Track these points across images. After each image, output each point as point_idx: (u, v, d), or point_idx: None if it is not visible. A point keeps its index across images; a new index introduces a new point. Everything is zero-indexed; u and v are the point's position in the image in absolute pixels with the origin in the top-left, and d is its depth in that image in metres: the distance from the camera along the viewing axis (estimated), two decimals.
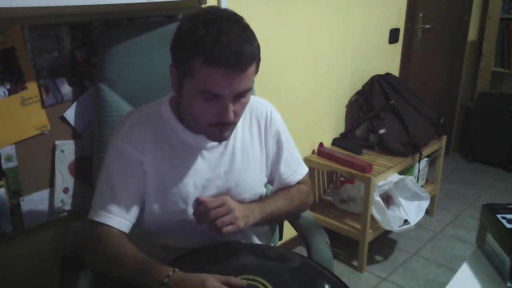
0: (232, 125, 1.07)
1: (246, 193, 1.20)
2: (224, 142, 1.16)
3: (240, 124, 1.18)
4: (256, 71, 1.05)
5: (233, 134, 1.16)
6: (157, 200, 1.13)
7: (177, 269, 0.95)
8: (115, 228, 1.07)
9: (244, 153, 1.19)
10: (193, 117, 1.07)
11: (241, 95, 1.02)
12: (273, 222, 1.39)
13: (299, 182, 1.30)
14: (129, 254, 1.02)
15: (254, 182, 1.23)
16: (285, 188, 1.28)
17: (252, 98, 1.23)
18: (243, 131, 1.20)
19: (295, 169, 1.30)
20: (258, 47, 1.02)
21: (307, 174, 1.34)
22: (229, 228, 1.08)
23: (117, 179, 1.10)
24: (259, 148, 1.23)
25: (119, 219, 1.08)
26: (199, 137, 1.12)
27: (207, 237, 1.16)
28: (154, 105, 1.16)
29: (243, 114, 1.19)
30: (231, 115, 1.01)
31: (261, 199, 1.26)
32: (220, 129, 1.05)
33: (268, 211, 1.19)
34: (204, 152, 1.15)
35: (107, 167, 1.12)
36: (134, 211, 1.11)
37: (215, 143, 1.15)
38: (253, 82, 1.06)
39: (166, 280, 0.93)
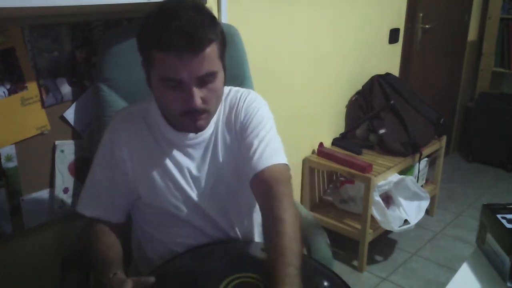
0: (205, 113, 1.03)
1: (236, 189, 1.16)
2: (206, 140, 1.14)
3: (220, 119, 1.15)
4: (220, 54, 1.02)
5: (214, 130, 1.14)
6: (149, 198, 1.14)
7: (118, 272, 1.00)
8: (95, 217, 1.14)
9: (225, 148, 1.15)
10: (166, 109, 1.07)
11: (205, 80, 0.99)
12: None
13: (271, 183, 1.04)
14: (97, 247, 1.08)
15: (240, 175, 1.14)
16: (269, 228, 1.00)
17: (232, 89, 1.20)
18: (223, 126, 1.16)
19: (267, 155, 1.07)
20: (220, 29, 1.01)
21: (286, 167, 1.09)
22: None
23: (98, 174, 1.14)
24: (235, 137, 1.15)
25: (99, 210, 1.13)
26: (182, 134, 1.11)
27: (202, 233, 1.16)
28: (144, 102, 1.16)
29: (223, 108, 1.16)
30: (198, 101, 0.99)
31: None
32: (192, 118, 1.03)
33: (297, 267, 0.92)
34: (189, 150, 1.13)
35: (93, 163, 1.16)
36: (112, 202, 1.14)
37: (198, 140, 1.12)
38: (222, 66, 1.03)
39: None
